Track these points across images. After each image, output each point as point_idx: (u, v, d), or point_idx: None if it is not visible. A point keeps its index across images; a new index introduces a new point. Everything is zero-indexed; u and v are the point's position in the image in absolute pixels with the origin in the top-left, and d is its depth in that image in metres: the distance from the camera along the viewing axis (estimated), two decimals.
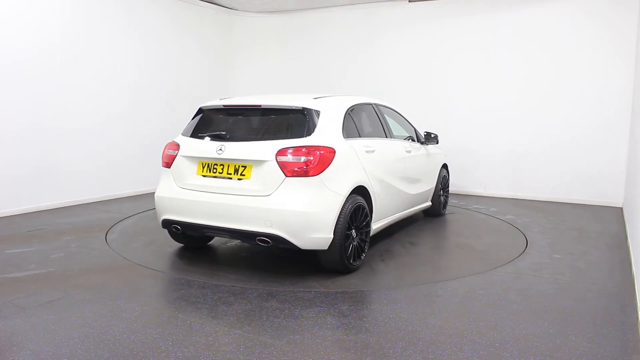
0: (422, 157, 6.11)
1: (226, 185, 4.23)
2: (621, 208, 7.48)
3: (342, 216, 4.14)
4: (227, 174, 4.26)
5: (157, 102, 8.36)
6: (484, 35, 8.39)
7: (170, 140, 4.78)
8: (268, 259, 4.78)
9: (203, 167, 4.40)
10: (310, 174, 4.01)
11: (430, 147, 6.47)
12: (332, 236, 4.08)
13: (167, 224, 4.58)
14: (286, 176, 4.01)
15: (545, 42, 7.94)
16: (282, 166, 4.03)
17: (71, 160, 7.08)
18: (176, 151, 4.58)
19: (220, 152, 4.28)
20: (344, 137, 4.47)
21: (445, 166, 6.94)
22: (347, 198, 4.22)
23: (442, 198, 6.83)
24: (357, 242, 4.41)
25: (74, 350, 2.88)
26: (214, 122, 4.67)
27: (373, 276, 4.34)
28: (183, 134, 4.74)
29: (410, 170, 5.66)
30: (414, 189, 5.81)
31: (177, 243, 5.21)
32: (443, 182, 6.83)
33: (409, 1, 8.91)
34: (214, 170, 4.33)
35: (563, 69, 7.85)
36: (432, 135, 6.34)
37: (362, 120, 5.09)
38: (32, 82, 6.52)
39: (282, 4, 9.45)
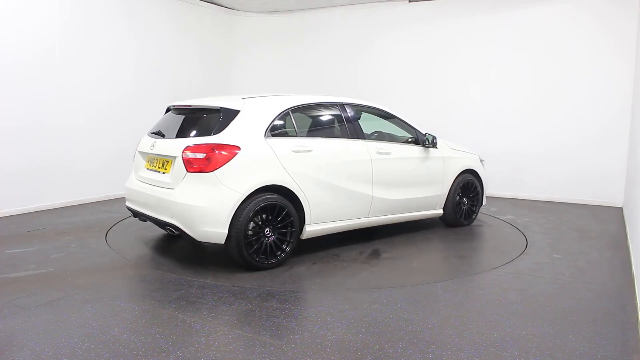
0: (417, 160, 5.63)
1: (156, 178, 4.63)
2: (621, 208, 7.47)
3: (242, 213, 4.21)
4: (158, 168, 4.66)
5: (156, 101, 8.33)
6: (484, 35, 8.38)
7: None
8: None
9: (148, 161, 4.86)
10: (206, 170, 4.21)
11: (442, 150, 5.89)
12: (226, 231, 4.19)
13: (128, 210, 5.09)
14: (187, 171, 4.27)
15: (545, 42, 7.93)
16: (186, 162, 4.29)
17: (71, 160, 7.08)
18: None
19: (152, 148, 4.74)
20: (267, 136, 4.50)
21: (471, 171, 6.17)
22: (250, 196, 4.26)
23: (464, 207, 6.10)
24: (275, 240, 4.43)
25: (74, 350, 2.88)
26: (164, 121, 5.07)
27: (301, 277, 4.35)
28: (148, 132, 5.17)
29: (387, 173, 5.27)
30: (400, 194, 5.41)
31: (174, 239, 5.32)
32: (468, 189, 6.12)
33: (409, 1, 8.91)
34: (153, 164, 4.76)
35: (563, 70, 7.85)
36: (432, 138, 5.72)
37: (308, 121, 5.06)
38: (32, 81, 6.51)
39: (282, 4, 9.45)
